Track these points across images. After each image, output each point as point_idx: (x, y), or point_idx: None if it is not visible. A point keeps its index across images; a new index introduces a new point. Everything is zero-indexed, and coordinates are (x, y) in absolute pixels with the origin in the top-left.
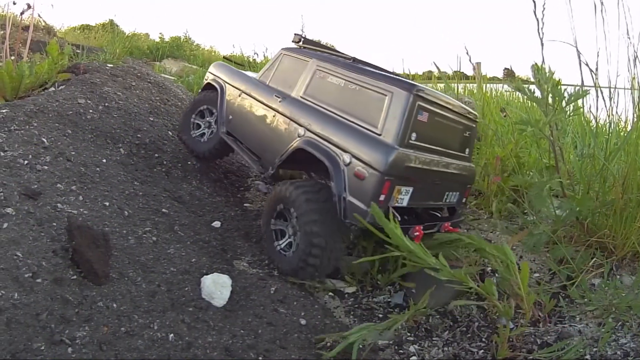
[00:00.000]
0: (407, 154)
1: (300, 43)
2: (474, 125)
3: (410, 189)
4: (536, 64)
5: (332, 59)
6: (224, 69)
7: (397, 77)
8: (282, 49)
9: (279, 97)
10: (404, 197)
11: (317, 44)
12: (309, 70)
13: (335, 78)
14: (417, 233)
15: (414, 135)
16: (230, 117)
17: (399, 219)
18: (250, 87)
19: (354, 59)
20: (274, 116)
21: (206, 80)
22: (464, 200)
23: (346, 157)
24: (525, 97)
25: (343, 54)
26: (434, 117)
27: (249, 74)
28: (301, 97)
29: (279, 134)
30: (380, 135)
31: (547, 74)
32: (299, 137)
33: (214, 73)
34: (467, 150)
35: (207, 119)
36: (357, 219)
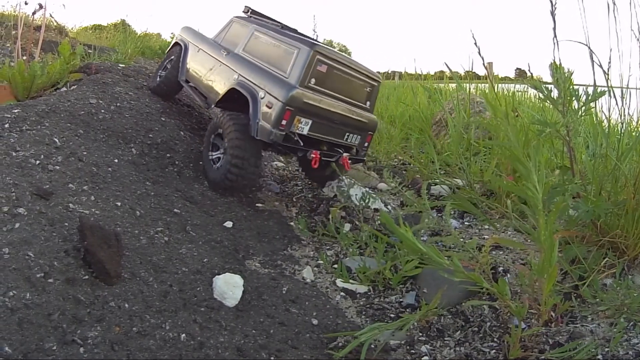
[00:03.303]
0: (305, 93)
1: (249, 13)
2: (375, 84)
3: (310, 121)
4: (554, 62)
5: (266, 25)
6: (189, 31)
7: (308, 38)
8: (234, 16)
9: (224, 52)
10: (304, 126)
11: (263, 15)
12: (248, 33)
13: (265, 38)
14: (314, 155)
15: (313, 80)
16: (189, 67)
17: (302, 143)
18: (206, 45)
19: (283, 26)
20: (220, 66)
21: (175, 39)
22: (366, 144)
23: (262, 93)
24: (543, 96)
25: (277, 22)
26: (332, 69)
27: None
28: (240, 53)
29: (221, 79)
30: (287, 78)
31: (566, 74)
32: (233, 80)
33: (181, 34)
34: (367, 102)
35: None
36: (264, 134)
